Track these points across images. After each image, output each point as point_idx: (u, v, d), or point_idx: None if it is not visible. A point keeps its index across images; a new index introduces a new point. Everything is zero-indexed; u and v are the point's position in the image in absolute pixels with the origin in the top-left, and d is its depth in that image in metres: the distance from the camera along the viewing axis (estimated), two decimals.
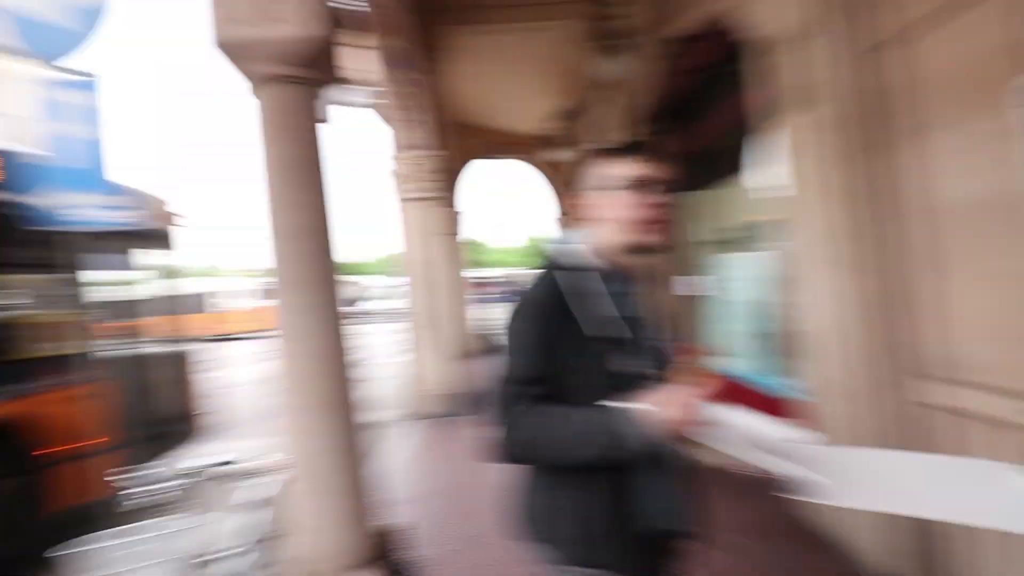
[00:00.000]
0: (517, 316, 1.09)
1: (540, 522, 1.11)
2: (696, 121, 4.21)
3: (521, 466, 1.13)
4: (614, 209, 1.11)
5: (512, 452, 1.04)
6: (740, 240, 3.97)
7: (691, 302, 4.44)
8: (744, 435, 0.91)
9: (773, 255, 3.34)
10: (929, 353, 2.21)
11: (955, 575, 2.16)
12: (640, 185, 1.10)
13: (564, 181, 10.49)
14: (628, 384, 1.03)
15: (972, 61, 1.90)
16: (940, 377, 2.16)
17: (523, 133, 10.03)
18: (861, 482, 0.88)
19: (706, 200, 4.35)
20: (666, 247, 1.16)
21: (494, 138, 10.07)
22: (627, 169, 1.11)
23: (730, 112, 3.68)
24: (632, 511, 1.04)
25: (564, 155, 8.37)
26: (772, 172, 3.07)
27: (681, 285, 4.51)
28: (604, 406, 1.00)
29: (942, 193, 2.09)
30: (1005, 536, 1.95)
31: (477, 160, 10.18)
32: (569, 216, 10.26)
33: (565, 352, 1.05)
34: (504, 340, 1.09)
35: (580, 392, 1.04)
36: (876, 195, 2.34)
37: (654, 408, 0.96)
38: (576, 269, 1.12)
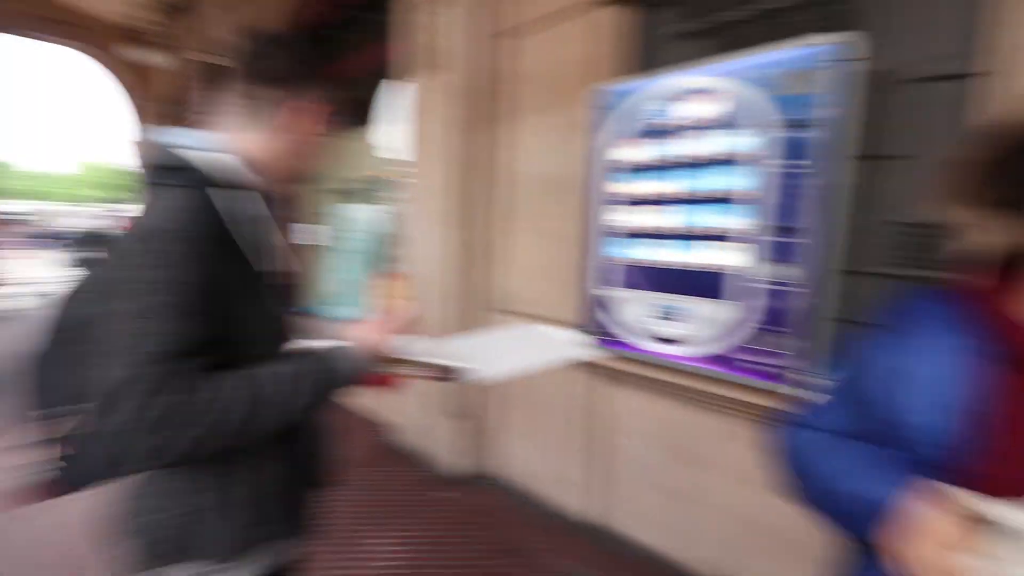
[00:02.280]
0: (148, 259, 0.74)
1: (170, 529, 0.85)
2: (331, 61, 4.07)
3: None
4: (273, 128, 0.91)
5: (180, 450, 0.74)
6: (360, 192, 4.07)
7: (309, 249, 4.29)
8: (409, 346, 0.99)
9: (390, 209, 3.57)
10: (498, 292, 2.81)
11: (494, 464, 2.85)
12: (306, 106, 0.94)
13: (154, 94, 8.33)
14: (290, 327, 0.93)
15: (559, 65, 2.49)
16: (504, 309, 2.78)
17: (96, 15, 7.46)
18: (486, 359, 1.08)
19: (332, 148, 4.26)
20: (312, 179, 1.04)
21: (44, 6, 7.13)
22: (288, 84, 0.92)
23: (365, 60, 3.71)
24: (303, 469, 0.98)
25: (158, 59, 6.67)
26: (397, 129, 3.27)
27: (301, 231, 4.30)
28: (304, 350, 0.87)
29: (523, 167, 2.68)
30: (524, 430, 2.72)
31: (4, 33, 6.99)
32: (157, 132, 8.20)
33: (233, 299, 0.81)
34: (113, 298, 0.75)
35: (252, 347, 0.83)
36: (480, 162, 2.79)
37: (357, 337, 0.92)
38: (234, 187, 0.86)
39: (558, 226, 2.53)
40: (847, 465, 0.71)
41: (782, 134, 1.59)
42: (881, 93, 1.64)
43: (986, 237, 0.68)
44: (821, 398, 0.82)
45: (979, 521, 0.58)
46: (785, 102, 1.57)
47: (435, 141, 2.89)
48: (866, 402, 0.73)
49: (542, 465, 2.69)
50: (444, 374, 1.03)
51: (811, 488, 0.76)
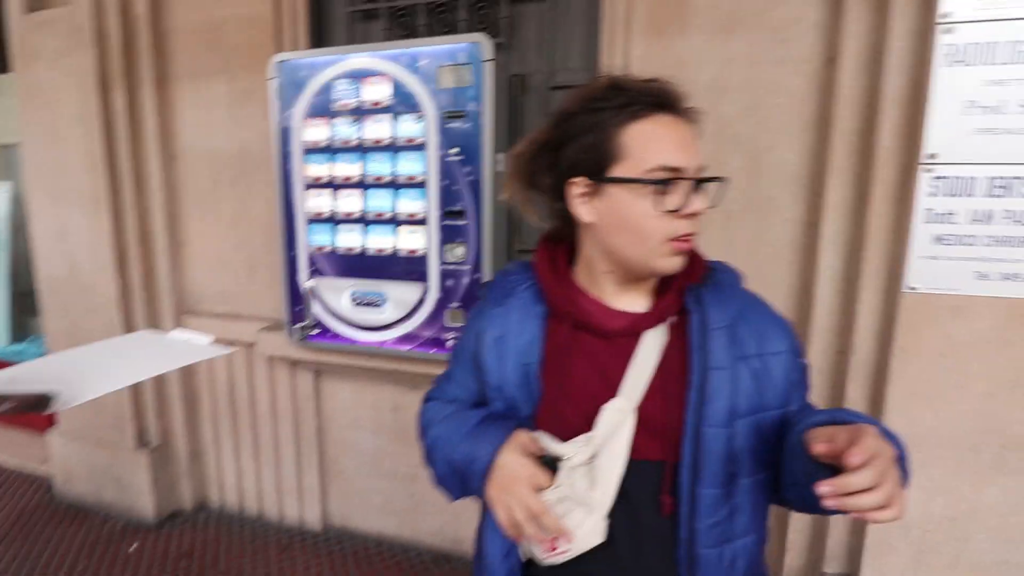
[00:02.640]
0: None
1: None
2: None
3: None
4: None
5: None
6: None
7: None
8: None
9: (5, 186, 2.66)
10: (175, 291, 2.35)
11: (208, 493, 2.46)
12: None
13: None
14: None
15: (219, 21, 2.11)
16: (188, 311, 2.35)
17: None
18: (82, 378, 0.84)
19: None
20: None
21: None
22: None
23: None
24: None
25: None
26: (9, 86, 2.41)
27: None
28: None
29: (188, 141, 2.24)
30: (236, 447, 2.40)
31: None
32: None
33: None
34: None
35: None
36: (132, 133, 2.24)
37: None
38: None
39: (244, 210, 2.21)
40: (456, 431, 0.76)
41: (443, 124, 1.64)
42: (522, 95, 1.83)
43: (536, 216, 0.78)
44: (450, 368, 0.87)
45: (553, 460, 0.68)
46: (442, 94, 1.63)
47: (60, 100, 2.21)
48: (478, 368, 0.79)
49: (264, 480, 2.41)
50: (27, 404, 0.77)
51: (434, 458, 0.80)
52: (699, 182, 0.66)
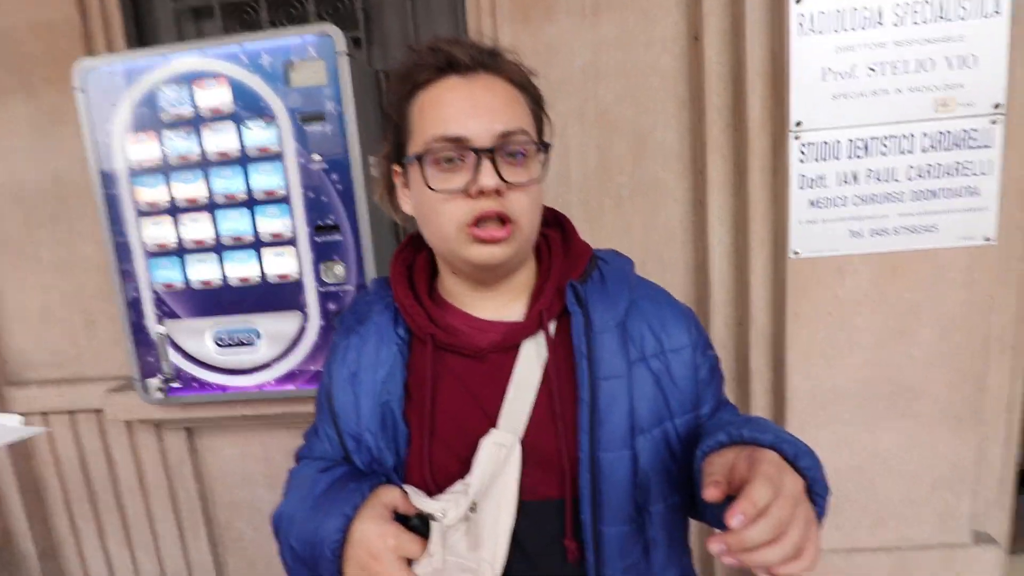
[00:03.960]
0: None
1: None
2: None
3: None
4: None
5: None
6: None
7: None
8: None
9: None
10: (5, 355, 1.92)
11: None
12: None
13: None
14: None
15: (12, 31, 1.73)
16: (12, 381, 1.92)
17: None
18: None
19: None
20: None
21: None
22: None
23: None
24: None
25: None
26: None
27: None
28: None
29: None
30: (110, 535, 2.00)
31: None
32: None
33: None
34: None
35: None
36: None
37: None
38: None
39: (69, 253, 1.84)
40: (299, 506, 0.60)
41: (299, 128, 1.44)
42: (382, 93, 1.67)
43: (401, 218, 0.66)
44: (316, 419, 0.70)
45: (422, 519, 0.55)
46: (294, 94, 1.42)
47: None
48: (333, 414, 0.64)
49: (143, 566, 2.03)
50: None
51: (279, 544, 0.62)
52: (494, 152, 0.53)
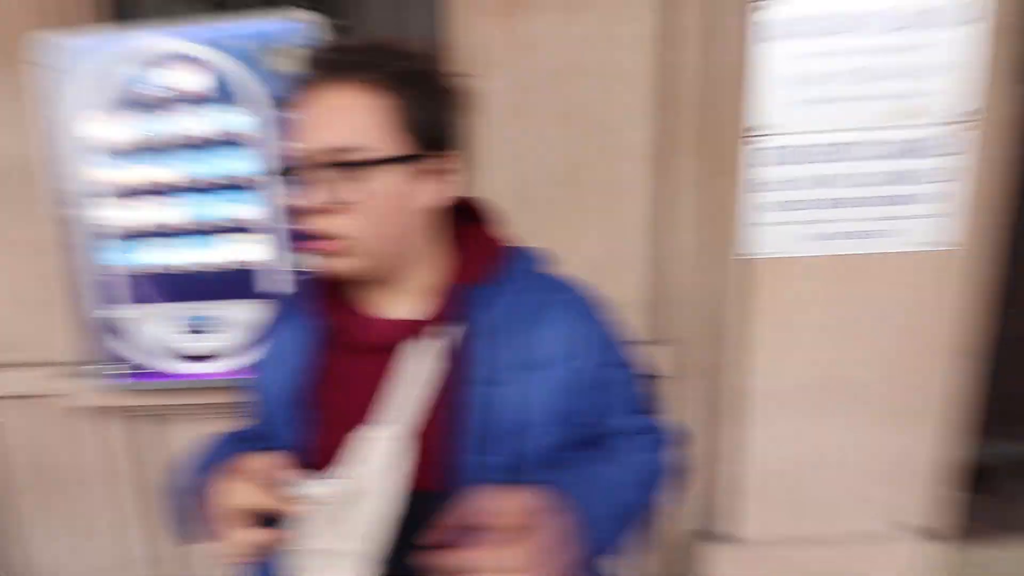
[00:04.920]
0: None
1: None
2: None
3: None
4: None
5: None
6: None
7: None
8: None
9: None
10: None
11: None
12: None
13: None
14: None
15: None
16: None
17: None
18: None
19: None
20: None
21: None
22: None
23: None
24: None
25: None
26: None
27: None
28: None
29: None
30: (56, 520, 1.96)
31: None
32: None
33: None
34: None
35: None
36: None
37: None
38: None
39: (19, 233, 1.78)
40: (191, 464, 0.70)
41: (273, 113, 1.42)
42: None
43: None
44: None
45: (298, 494, 0.56)
46: (275, 80, 1.41)
47: None
48: (259, 394, 0.70)
49: (93, 555, 1.99)
50: None
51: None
52: (315, 170, 0.55)
